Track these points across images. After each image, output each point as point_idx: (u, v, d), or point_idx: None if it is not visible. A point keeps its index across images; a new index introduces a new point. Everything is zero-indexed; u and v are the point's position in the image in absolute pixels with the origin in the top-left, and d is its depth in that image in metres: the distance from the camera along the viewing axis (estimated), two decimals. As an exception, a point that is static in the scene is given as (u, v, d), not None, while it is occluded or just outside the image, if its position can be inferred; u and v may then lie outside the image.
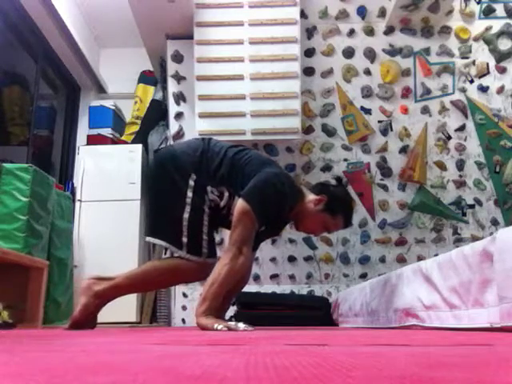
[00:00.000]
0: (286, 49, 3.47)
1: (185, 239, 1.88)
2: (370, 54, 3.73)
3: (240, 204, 1.83)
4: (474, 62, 3.71)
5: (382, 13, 3.69)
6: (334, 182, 2.16)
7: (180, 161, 1.94)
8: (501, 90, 3.70)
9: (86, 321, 1.94)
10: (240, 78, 3.45)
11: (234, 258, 1.79)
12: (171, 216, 1.92)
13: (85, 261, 3.65)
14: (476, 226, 3.70)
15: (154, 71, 4.33)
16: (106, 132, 4.21)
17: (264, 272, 3.64)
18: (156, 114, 4.11)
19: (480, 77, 3.71)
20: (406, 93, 3.73)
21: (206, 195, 1.91)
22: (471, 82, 3.71)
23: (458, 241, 3.66)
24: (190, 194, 1.89)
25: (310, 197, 2.04)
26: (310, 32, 3.73)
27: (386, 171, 3.74)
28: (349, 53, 3.73)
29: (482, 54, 3.71)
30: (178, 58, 3.74)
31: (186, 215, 1.87)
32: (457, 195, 3.71)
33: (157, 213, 2.03)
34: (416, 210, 3.71)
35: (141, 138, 4.09)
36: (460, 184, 3.72)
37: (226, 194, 1.92)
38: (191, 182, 1.90)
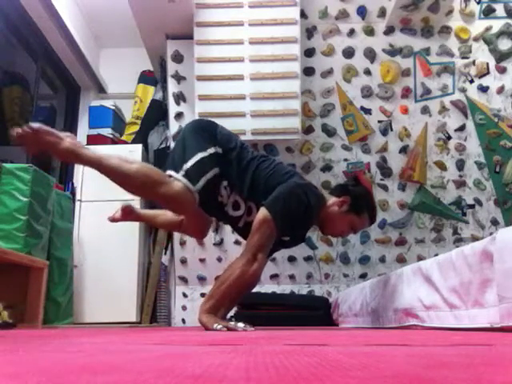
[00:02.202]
0: (286, 49, 3.47)
1: (188, 165, 1.84)
2: (370, 54, 3.73)
3: (261, 212, 1.83)
4: (474, 62, 3.71)
5: (382, 13, 3.69)
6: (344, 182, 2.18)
7: (216, 132, 1.97)
8: (501, 90, 3.70)
9: None
10: (240, 78, 3.45)
11: (248, 263, 1.79)
12: (186, 151, 1.90)
13: (85, 261, 3.65)
14: (476, 226, 3.70)
15: (154, 71, 4.32)
16: (106, 132, 4.21)
17: (264, 272, 3.63)
18: (156, 113, 4.11)
19: (480, 77, 3.71)
20: (406, 93, 3.72)
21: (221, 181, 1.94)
22: (471, 82, 3.71)
23: (458, 241, 3.67)
24: (212, 149, 1.90)
25: (332, 200, 2.05)
26: (309, 32, 3.73)
27: (386, 171, 3.74)
28: (349, 53, 3.73)
29: (482, 54, 3.71)
30: (177, 58, 3.74)
31: (200, 154, 1.87)
32: (457, 195, 3.71)
33: (174, 151, 2.04)
34: (416, 210, 3.71)
35: (141, 138, 4.09)
36: (460, 184, 3.72)
37: (242, 206, 1.95)
38: (218, 149, 1.92)
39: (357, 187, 2.13)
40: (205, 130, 1.96)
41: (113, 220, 2.32)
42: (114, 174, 1.75)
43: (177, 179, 1.81)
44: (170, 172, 1.84)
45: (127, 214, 2.24)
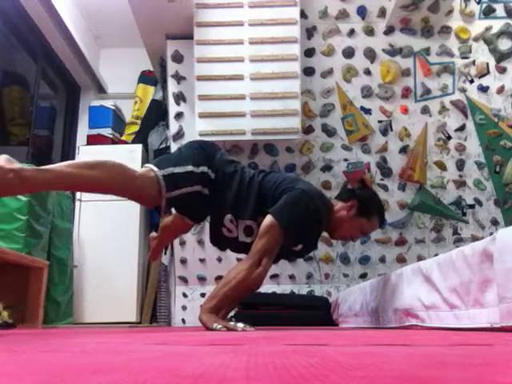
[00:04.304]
0: (286, 49, 3.46)
1: (175, 170, 1.81)
2: (370, 54, 3.72)
3: (268, 219, 1.82)
4: (474, 62, 3.70)
5: (382, 13, 3.69)
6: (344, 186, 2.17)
7: (215, 156, 1.94)
8: (501, 90, 3.70)
9: None
10: (240, 78, 3.45)
11: (253, 267, 1.79)
12: (179, 158, 1.88)
13: (85, 261, 3.65)
14: (476, 226, 3.70)
15: (154, 71, 4.32)
16: (106, 132, 4.21)
17: (264, 272, 3.63)
18: (156, 113, 4.11)
19: (480, 77, 3.71)
20: (406, 93, 3.72)
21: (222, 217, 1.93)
22: (471, 82, 3.71)
23: (458, 241, 3.66)
24: (205, 169, 1.87)
25: (340, 204, 2.05)
26: (309, 32, 3.72)
27: (386, 171, 3.73)
28: (349, 53, 3.73)
29: (481, 54, 3.71)
30: (177, 58, 3.74)
31: (191, 168, 1.84)
32: (457, 195, 3.71)
33: (165, 156, 2.04)
34: (416, 210, 3.71)
35: (141, 138, 4.09)
36: (460, 184, 3.72)
37: (254, 226, 1.92)
38: (210, 173, 1.89)
39: (364, 191, 2.13)
40: (204, 150, 1.95)
41: (154, 258, 2.40)
42: (86, 185, 1.67)
43: (153, 170, 1.78)
44: (150, 165, 1.82)
45: (154, 240, 2.23)
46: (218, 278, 3.55)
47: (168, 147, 3.85)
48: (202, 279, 3.73)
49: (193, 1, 3.45)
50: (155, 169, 1.79)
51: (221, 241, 2.05)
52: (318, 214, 1.89)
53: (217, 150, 2.01)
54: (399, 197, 3.73)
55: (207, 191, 1.88)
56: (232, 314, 3.00)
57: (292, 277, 3.71)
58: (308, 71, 3.72)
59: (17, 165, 1.48)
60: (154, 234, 2.24)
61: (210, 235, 2.08)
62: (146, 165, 1.85)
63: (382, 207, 2.19)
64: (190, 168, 1.83)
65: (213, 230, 2.04)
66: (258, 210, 1.90)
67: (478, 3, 3.69)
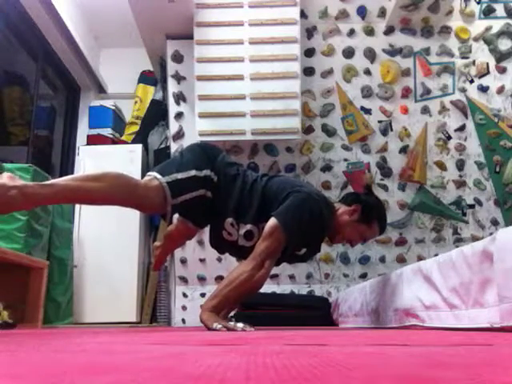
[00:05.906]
0: (285, 49, 3.46)
1: (178, 176, 1.81)
2: (370, 54, 3.72)
3: (272, 221, 1.82)
4: (474, 62, 3.70)
5: (382, 13, 3.69)
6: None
7: (217, 159, 1.94)
8: (501, 90, 3.70)
9: None
10: (240, 78, 3.45)
11: (255, 269, 1.78)
12: (182, 163, 1.87)
13: (85, 261, 3.65)
14: (476, 226, 3.70)
15: (154, 71, 4.32)
16: (106, 132, 4.21)
17: (264, 272, 3.63)
18: (156, 113, 4.11)
19: (480, 77, 3.71)
20: (406, 93, 3.72)
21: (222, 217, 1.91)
22: (471, 82, 3.71)
23: (458, 241, 3.66)
24: (208, 172, 1.87)
25: (343, 208, 2.05)
26: (309, 32, 3.72)
27: (386, 171, 3.73)
28: (349, 53, 3.73)
29: (481, 54, 3.71)
30: (177, 58, 3.74)
31: (194, 172, 1.84)
32: (457, 195, 3.71)
33: (167, 161, 2.02)
34: (416, 210, 3.71)
35: (141, 138, 4.10)
36: (460, 184, 3.72)
37: (255, 231, 1.91)
38: (213, 176, 1.89)
39: (368, 196, 2.13)
40: (206, 153, 1.94)
41: (156, 267, 2.30)
42: (90, 197, 1.68)
43: (156, 178, 1.79)
44: (153, 173, 1.82)
45: (158, 249, 2.20)
46: (218, 277, 3.55)
47: (168, 147, 3.85)
48: (201, 279, 3.73)
49: (193, 1, 3.45)
50: (158, 176, 1.79)
51: (220, 244, 2.04)
52: (322, 217, 1.88)
53: (219, 152, 2.01)
54: (399, 197, 3.73)
55: (210, 194, 1.89)
56: (232, 313, 3.01)
57: (292, 277, 3.71)
58: (308, 71, 3.72)
59: (20, 181, 1.50)
60: (157, 243, 2.23)
61: (209, 237, 2.07)
62: (149, 173, 1.85)
63: (384, 214, 2.19)
64: (193, 172, 1.83)
65: (213, 232, 2.03)
66: (261, 215, 1.89)
67: (478, 3, 3.69)
